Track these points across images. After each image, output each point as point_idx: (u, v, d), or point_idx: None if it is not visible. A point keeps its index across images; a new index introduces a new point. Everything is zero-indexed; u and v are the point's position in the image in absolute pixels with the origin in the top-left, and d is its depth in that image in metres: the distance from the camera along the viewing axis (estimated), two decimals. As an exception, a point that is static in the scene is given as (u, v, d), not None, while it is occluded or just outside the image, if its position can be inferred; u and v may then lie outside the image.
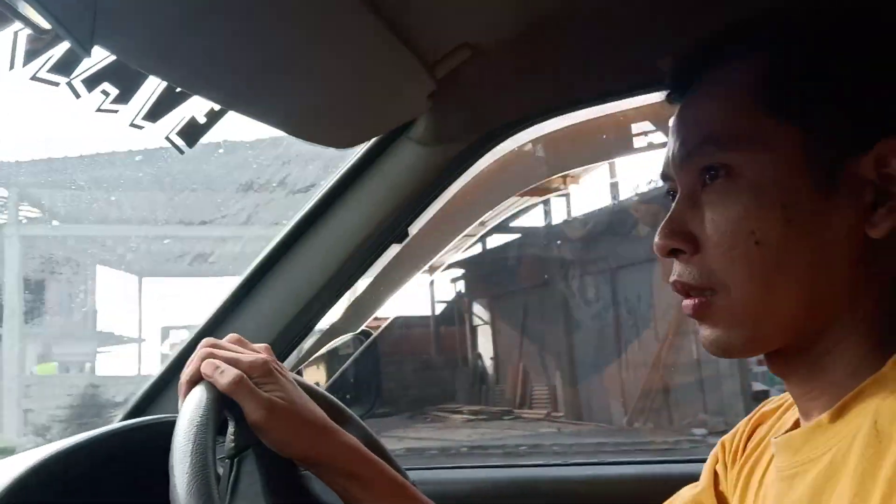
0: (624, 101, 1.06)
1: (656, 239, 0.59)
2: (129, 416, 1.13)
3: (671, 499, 0.79)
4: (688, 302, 0.59)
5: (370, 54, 0.83)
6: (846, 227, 0.53)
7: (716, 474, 0.75)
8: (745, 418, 0.74)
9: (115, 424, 0.85)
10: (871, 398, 0.51)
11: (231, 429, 0.74)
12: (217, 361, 0.72)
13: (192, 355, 0.74)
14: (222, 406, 0.71)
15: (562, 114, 1.07)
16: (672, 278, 0.60)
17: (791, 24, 0.57)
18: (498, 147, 1.13)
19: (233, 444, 0.73)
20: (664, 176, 0.63)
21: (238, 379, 0.70)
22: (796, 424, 0.61)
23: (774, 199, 0.54)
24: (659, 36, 0.91)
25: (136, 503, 0.79)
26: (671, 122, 0.63)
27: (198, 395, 0.69)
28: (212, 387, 0.70)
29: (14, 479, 0.71)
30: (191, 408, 0.67)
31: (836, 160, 0.53)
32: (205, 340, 0.76)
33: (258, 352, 0.77)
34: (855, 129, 0.53)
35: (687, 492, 0.78)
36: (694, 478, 0.79)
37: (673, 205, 0.61)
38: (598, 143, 1.25)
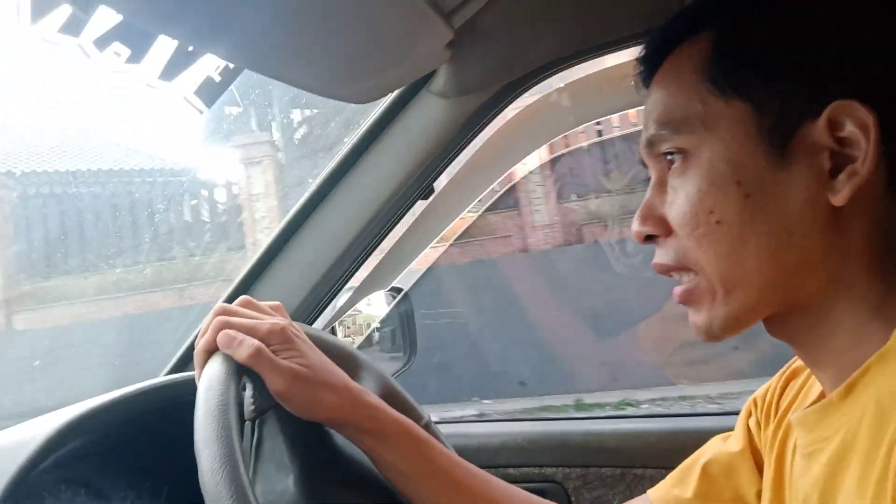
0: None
1: (633, 227, 0.60)
2: (171, 372, 1.17)
3: (701, 449, 0.78)
4: (677, 289, 0.59)
5: (384, 4, 0.81)
6: (806, 196, 0.52)
7: (749, 431, 0.74)
8: (777, 374, 0.72)
9: (148, 382, 0.87)
10: (877, 375, 0.50)
11: (250, 391, 0.72)
12: (233, 332, 0.69)
13: (205, 324, 0.72)
14: (241, 377, 0.69)
15: (584, 61, 1.03)
16: (653, 262, 0.61)
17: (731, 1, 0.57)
18: (522, 98, 1.11)
19: (253, 408, 0.71)
20: (641, 163, 0.64)
21: (256, 351, 0.69)
22: (822, 395, 0.60)
23: (728, 177, 0.54)
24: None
25: (166, 453, 0.82)
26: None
27: (215, 369, 0.66)
28: (229, 359, 0.68)
29: (54, 430, 0.73)
30: (210, 384, 0.65)
31: (788, 130, 0.53)
32: (217, 307, 0.74)
33: (272, 314, 0.76)
34: (803, 97, 0.52)
35: (717, 443, 0.77)
36: (723, 431, 0.78)
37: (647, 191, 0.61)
38: (628, 89, 1.21)
